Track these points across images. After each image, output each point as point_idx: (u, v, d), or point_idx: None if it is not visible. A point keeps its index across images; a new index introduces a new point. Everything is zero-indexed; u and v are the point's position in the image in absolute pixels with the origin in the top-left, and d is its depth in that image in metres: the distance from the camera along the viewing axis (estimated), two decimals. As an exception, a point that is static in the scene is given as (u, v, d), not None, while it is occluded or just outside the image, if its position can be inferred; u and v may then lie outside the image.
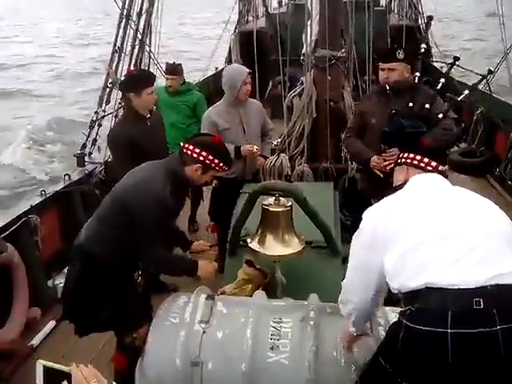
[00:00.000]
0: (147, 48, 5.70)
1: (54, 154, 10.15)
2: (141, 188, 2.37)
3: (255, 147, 3.63)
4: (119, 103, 5.35)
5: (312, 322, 2.16)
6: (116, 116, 5.25)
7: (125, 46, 5.56)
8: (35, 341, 3.48)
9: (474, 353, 1.57)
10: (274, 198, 2.63)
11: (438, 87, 3.47)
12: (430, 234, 1.74)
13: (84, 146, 5.29)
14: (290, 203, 2.64)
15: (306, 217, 2.66)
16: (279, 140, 4.69)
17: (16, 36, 28.36)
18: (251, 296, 2.44)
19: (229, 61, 8.73)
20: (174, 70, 4.67)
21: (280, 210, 2.61)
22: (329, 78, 4.34)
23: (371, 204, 2.05)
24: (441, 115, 3.28)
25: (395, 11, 10.76)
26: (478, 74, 5.80)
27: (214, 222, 3.95)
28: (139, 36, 5.58)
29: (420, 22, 9.33)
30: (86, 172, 4.88)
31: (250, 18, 9.73)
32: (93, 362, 3.11)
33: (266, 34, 7.61)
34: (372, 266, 1.83)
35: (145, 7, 5.53)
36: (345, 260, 2.33)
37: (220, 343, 2.17)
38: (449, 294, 1.61)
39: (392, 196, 1.95)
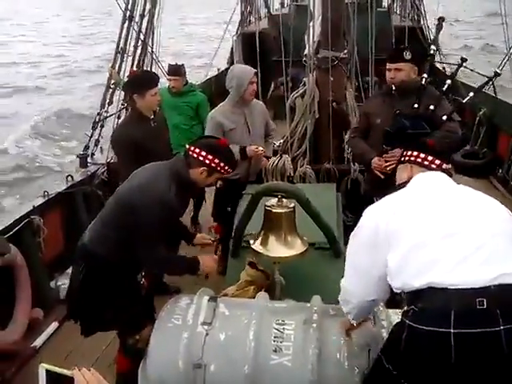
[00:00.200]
0: (149, 49, 5.70)
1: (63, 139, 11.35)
2: (145, 189, 2.37)
3: (260, 148, 3.64)
4: (122, 104, 5.35)
5: (315, 324, 2.15)
6: (119, 117, 5.26)
7: (127, 46, 5.57)
8: (38, 342, 3.49)
9: (477, 353, 1.57)
10: (276, 199, 2.63)
11: (444, 88, 3.46)
12: (434, 232, 1.72)
13: (87, 147, 5.30)
14: (292, 204, 2.63)
15: (309, 218, 2.66)
16: (281, 141, 4.70)
17: (22, 35, 28.89)
18: (254, 298, 2.43)
19: (231, 62, 8.74)
20: (176, 70, 4.68)
21: (283, 211, 2.60)
22: (331, 79, 4.34)
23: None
24: (445, 117, 3.26)
25: (397, 12, 10.76)
26: (484, 75, 5.79)
27: (218, 223, 3.95)
28: (142, 37, 5.58)
29: (423, 23, 9.32)
30: (89, 173, 4.89)
31: (252, 20, 9.74)
32: (95, 363, 3.12)
33: (268, 35, 7.60)
34: (372, 265, 1.82)
35: (147, 8, 5.53)
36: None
37: (223, 345, 2.16)
38: (452, 294, 1.60)
39: (394, 194, 1.94)
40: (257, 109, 3.80)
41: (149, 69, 5.57)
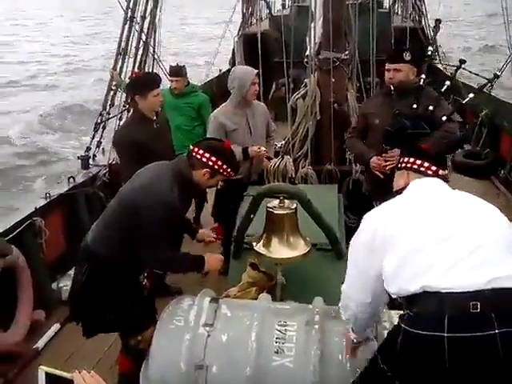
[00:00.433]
0: (151, 50, 5.70)
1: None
2: (147, 189, 2.37)
3: (262, 148, 3.65)
4: (123, 105, 5.36)
5: (317, 326, 2.15)
6: (120, 119, 5.26)
7: (129, 48, 5.57)
8: (39, 343, 3.49)
9: (472, 357, 1.57)
10: (278, 200, 2.63)
11: (443, 89, 3.47)
12: (429, 237, 1.74)
13: (88, 148, 5.30)
14: (294, 206, 2.63)
15: (311, 219, 2.66)
16: (283, 142, 4.69)
17: (27, 36, 29.42)
18: (256, 299, 2.43)
19: (232, 63, 8.74)
20: (177, 71, 4.68)
21: (285, 212, 2.60)
22: (333, 80, 4.34)
23: (374, 206, 2.05)
24: (444, 118, 3.27)
25: (399, 13, 10.76)
26: (483, 77, 5.80)
27: (219, 224, 3.95)
28: (143, 38, 5.59)
29: (424, 23, 9.32)
30: (91, 175, 4.89)
31: (254, 21, 9.74)
32: (97, 364, 3.12)
33: (269, 37, 7.60)
34: (370, 269, 1.83)
35: (149, 9, 5.54)
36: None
37: (225, 346, 2.16)
38: (445, 298, 1.61)
39: (392, 200, 1.96)
40: (258, 110, 3.81)
41: (151, 70, 5.58)
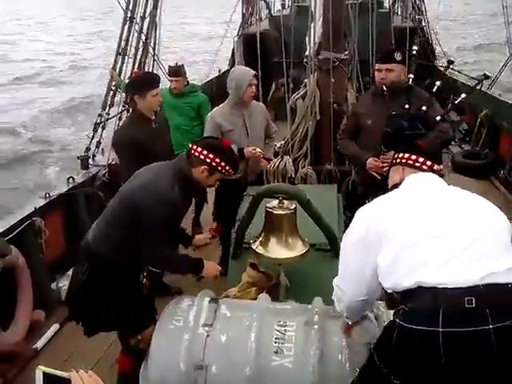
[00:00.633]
0: (151, 50, 5.70)
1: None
2: (147, 188, 2.38)
3: (258, 149, 3.64)
4: (123, 106, 5.36)
5: (316, 326, 2.16)
6: (120, 119, 5.26)
7: (128, 48, 5.57)
8: (39, 343, 3.49)
9: (467, 351, 1.58)
10: (277, 200, 2.63)
11: (434, 90, 3.49)
12: (424, 233, 1.74)
13: (88, 148, 5.30)
14: (293, 206, 2.63)
15: (310, 219, 2.66)
16: (283, 142, 4.69)
17: (30, 35, 29.70)
18: (255, 299, 2.44)
19: (232, 63, 8.74)
20: (176, 71, 4.67)
21: (284, 212, 2.61)
22: (332, 80, 4.34)
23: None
24: (438, 118, 3.29)
25: (399, 13, 10.76)
26: (472, 78, 5.84)
27: (218, 223, 3.96)
28: (143, 38, 5.59)
29: (424, 23, 9.33)
30: (90, 175, 4.89)
31: (253, 21, 9.74)
32: (97, 364, 3.11)
33: (269, 37, 7.61)
34: (364, 264, 1.83)
35: (149, 10, 5.54)
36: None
37: (224, 347, 2.16)
38: (440, 293, 1.62)
39: (386, 195, 1.96)
40: (257, 110, 3.80)
41: (150, 70, 5.58)
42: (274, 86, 7.90)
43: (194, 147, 2.46)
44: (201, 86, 6.01)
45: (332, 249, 2.75)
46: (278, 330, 2.17)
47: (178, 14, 30.64)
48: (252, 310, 2.27)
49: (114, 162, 4.76)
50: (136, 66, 5.60)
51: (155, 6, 5.61)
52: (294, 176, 4.35)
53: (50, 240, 3.99)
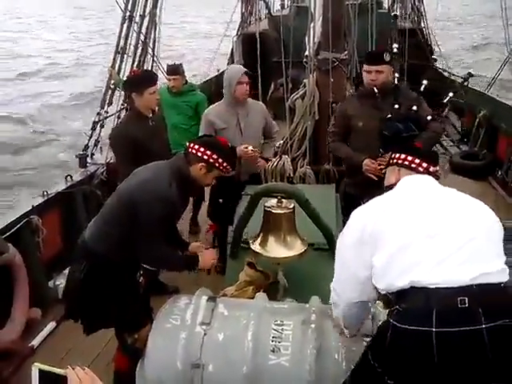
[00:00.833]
0: (150, 49, 5.69)
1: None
2: (145, 186, 2.38)
3: (250, 148, 3.60)
4: (122, 104, 5.34)
5: (313, 325, 2.15)
6: (119, 117, 5.25)
7: (127, 46, 5.56)
8: (35, 341, 3.48)
9: (460, 351, 1.58)
10: (276, 199, 2.63)
11: (422, 89, 3.51)
12: (418, 234, 1.74)
13: (86, 147, 5.29)
14: (292, 205, 2.63)
15: (308, 219, 2.66)
16: (281, 142, 4.69)
17: (32, 32, 29.94)
18: (253, 298, 2.43)
19: (231, 63, 8.73)
20: (174, 70, 4.67)
21: (282, 211, 2.60)
22: (331, 80, 4.34)
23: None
24: (429, 117, 3.30)
25: (398, 13, 10.77)
26: (458, 76, 5.87)
27: (213, 222, 3.96)
28: (142, 37, 5.58)
29: (423, 24, 9.35)
30: (88, 173, 4.88)
31: (253, 20, 9.74)
32: (93, 362, 3.11)
33: (268, 36, 7.61)
34: (359, 265, 1.83)
35: (148, 8, 5.53)
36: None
37: (221, 345, 2.16)
38: (433, 294, 1.62)
39: (381, 196, 1.96)
40: (255, 109, 3.79)
41: (149, 69, 5.57)
42: (272, 85, 7.90)
43: (192, 145, 2.47)
44: (199, 85, 6.01)
45: (330, 248, 2.74)
46: (275, 329, 2.16)
47: (178, 13, 30.69)
48: (249, 308, 2.26)
49: (112, 161, 4.75)
50: (135, 65, 5.59)
51: (155, 5, 5.60)
52: (292, 175, 4.35)
53: (47, 238, 3.98)
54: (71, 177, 4.69)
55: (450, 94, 3.48)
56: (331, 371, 2.06)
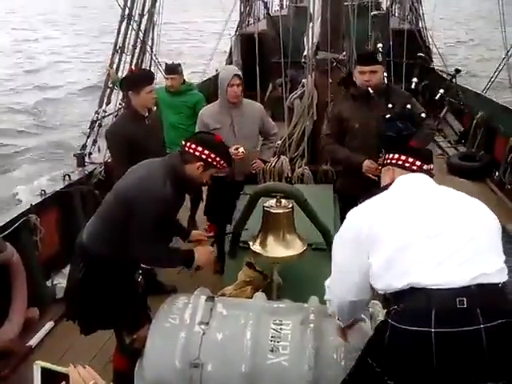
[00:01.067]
0: (148, 48, 5.70)
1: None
2: (140, 185, 2.38)
3: (241, 149, 3.59)
4: (120, 103, 5.34)
5: (312, 325, 2.16)
6: (117, 116, 5.24)
7: (126, 45, 5.56)
8: (33, 341, 3.47)
9: (458, 352, 1.59)
10: (275, 199, 2.63)
11: (413, 86, 3.55)
12: (416, 234, 1.74)
13: (84, 146, 5.28)
14: (291, 205, 2.63)
15: (306, 219, 2.66)
16: (279, 142, 4.69)
17: (37, 30, 30.52)
18: (251, 298, 2.44)
19: (229, 63, 8.74)
20: (173, 69, 4.66)
21: (281, 211, 2.61)
22: (330, 80, 4.34)
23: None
24: (423, 115, 3.32)
25: (396, 15, 10.81)
26: (447, 73, 5.93)
27: (211, 222, 3.96)
28: (141, 36, 5.58)
29: (421, 25, 9.36)
30: (86, 172, 4.87)
31: (251, 21, 9.74)
32: (91, 362, 3.10)
33: (267, 37, 7.61)
34: (354, 266, 1.83)
35: (147, 7, 5.53)
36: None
37: (220, 345, 2.16)
38: (432, 294, 1.63)
39: (377, 197, 1.95)
40: (250, 110, 3.78)
41: (148, 68, 5.57)
42: (271, 85, 7.91)
43: (188, 144, 2.46)
44: (198, 84, 6.00)
45: (328, 248, 2.75)
46: (273, 329, 2.17)
47: (177, 12, 30.72)
48: (248, 308, 2.27)
49: (110, 160, 4.74)
50: (133, 64, 5.59)
51: (153, 4, 5.60)
52: (290, 176, 4.35)
53: (45, 237, 3.97)
54: (69, 176, 4.68)
55: (441, 91, 3.53)
56: (330, 371, 2.07)
